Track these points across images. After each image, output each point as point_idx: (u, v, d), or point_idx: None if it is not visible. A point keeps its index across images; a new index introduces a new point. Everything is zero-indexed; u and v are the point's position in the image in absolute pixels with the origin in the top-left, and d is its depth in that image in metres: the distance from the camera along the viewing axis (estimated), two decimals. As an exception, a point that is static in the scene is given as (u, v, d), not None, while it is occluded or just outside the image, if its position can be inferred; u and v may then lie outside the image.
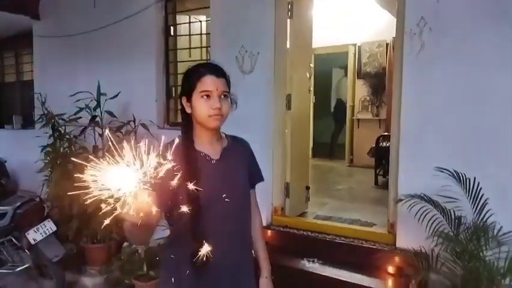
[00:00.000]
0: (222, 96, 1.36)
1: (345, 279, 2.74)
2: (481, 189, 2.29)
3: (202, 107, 1.34)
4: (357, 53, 6.93)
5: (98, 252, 3.93)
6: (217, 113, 1.33)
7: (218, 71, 1.37)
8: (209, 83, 1.33)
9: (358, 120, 7.10)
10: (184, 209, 1.22)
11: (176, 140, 1.41)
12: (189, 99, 1.37)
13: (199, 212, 1.28)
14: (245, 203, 1.49)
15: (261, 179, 1.60)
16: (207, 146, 1.42)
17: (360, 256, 2.92)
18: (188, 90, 1.37)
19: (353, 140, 7.20)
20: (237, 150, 1.51)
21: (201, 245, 1.22)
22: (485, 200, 2.28)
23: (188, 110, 1.39)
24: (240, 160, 1.51)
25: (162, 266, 1.48)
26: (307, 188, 4.03)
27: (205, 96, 1.33)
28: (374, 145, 5.62)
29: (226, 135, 1.52)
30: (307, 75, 3.96)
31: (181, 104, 1.42)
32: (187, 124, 1.43)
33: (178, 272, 1.35)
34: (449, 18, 2.61)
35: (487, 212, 2.27)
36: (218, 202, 1.36)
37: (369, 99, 6.97)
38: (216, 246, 1.26)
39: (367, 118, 6.98)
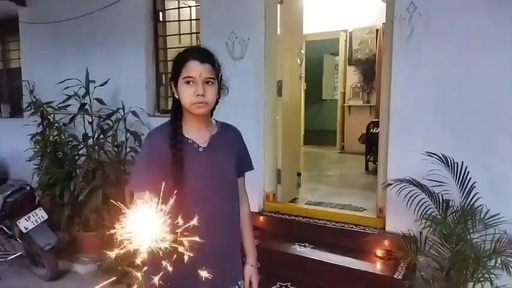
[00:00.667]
0: (207, 83, 1.33)
1: (335, 263, 2.79)
2: (468, 173, 2.33)
3: (186, 93, 1.32)
4: (348, 40, 6.92)
5: (90, 240, 3.94)
6: (200, 100, 1.31)
7: (204, 57, 1.33)
8: (192, 68, 1.31)
9: (349, 107, 7.13)
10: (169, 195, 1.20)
11: (162, 126, 1.43)
12: (175, 84, 1.36)
13: (183, 198, 1.25)
14: (232, 191, 1.48)
15: (250, 167, 1.59)
16: (194, 133, 1.41)
17: (351, 240, 2.97)
18: (174, 76, 1.36)
19: (344, 127, 7.24)
20: (227, 137, 1.50)
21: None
22: (473, 184, 2.31)
23: (176, 95, 1.38)
24: (229, 148, 1.49)
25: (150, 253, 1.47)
26: (299, 174, 4.06)
27: (189, 83, 1.31)
28: (365, 131, 5.67)
29: (216, 121, 1.51)
30: (298, 61, 3.95)
31: (171, 89, 1.41)
32: (176, 109, 1.41)
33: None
34: (438, 3, 2.62)
35: (474, 195, 2.31)
36: (204, 190, 1.36)
37: (360, 86, 6.99)
38: (202, 234, 1.24)
39: (358, 105, 7.01)
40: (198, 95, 1.30)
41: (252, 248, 1.59)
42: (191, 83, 1.31)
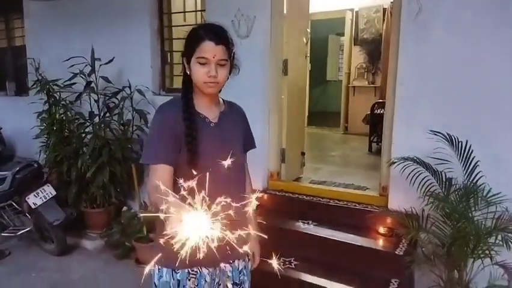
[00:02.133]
0: (220, 64, 1.33)
1: (338, 239, 2.84)
2: (472, 151, 2.35)
3: (198, 73, 1.33)
4: (354, 19, 6.83)
5: (98, 217, 4.02)
6: (213, 80, 1.33)
7: (219, 37, 1.32)
8: (206, 50, 1.30)
9: (354, 87, 7.10)
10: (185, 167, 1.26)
11: (173, 100, 1.44)
12: (189, 61, 1.36)
13: (198, 159, 1.31)
14: (241, 166, 1.53)
15: (253, 145, 1.64)
16: (205, 108, 1.43)
17: (353, 218, 3.02)
18: (188, 53, 1.36)
19: (348, 108, 7.23)
20: (234, 115, 1.53)
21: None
22: (476, 163, 2.34)
23: (188, 71, 1.39)
24: (236, 125, 1.53)
25: (159, 227, 1.45)
26: (303, 153, 4.09)
27: (203, 63, 1.31)
28: (369, 112, 5.66)
29: (223, 100, 1.54)
30: (304, 40, 3.93)
31: (182, 64, 1.42)
32: (186, 84, 1.42)
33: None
34: (448, -19, 2.59)
35: (477, 174, 2.34)
36: (216, 163, 1.36)
37: (365, 67, 6.94)
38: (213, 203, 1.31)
39: (363, 86, 6.98)
40: (210, 75, 1.31)
41: (254, 223, 1.63)
42: (205, 63, 1.31)
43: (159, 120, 1.40)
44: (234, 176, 1.45)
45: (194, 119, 1.36)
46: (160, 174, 1.31)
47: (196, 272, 1.43)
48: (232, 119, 1.52)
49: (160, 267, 1.42)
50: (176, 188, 1.26)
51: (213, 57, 1.30)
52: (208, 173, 1.26)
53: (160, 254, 1.06)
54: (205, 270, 1.44)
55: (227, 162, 1.35)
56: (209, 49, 1.30)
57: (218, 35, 1.33)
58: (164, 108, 1.42)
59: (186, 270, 1.41)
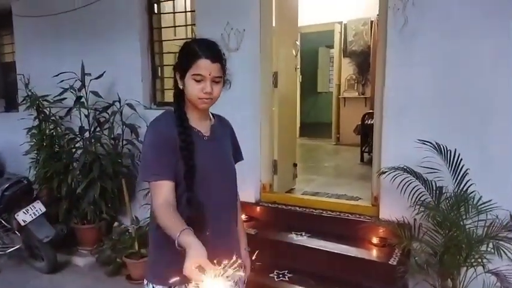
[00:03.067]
0: (214, 81, 1.35)
1: (332, 250, 2.83)
2: (461, 160, 2.37)
3: (193, 89, 1.33)
4: (343, 31, 6.93)
5: (89, 233, 3.97)
6: (208, 96, 1.34)
7: (215, 55, 1.34)
8: (203, 67, 1.31)
9: (344, 98, 7.15)
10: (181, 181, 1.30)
11: (165, 114, 1.44)
12: (182, 76, 1.37)
13: (194, 183, 1.33)
14: (234, 177, 1.54)
15: (241, 157, 1.66)
16: (197, 122, 1.44)
17: (346, 228, 3.01)
18: (182, 69, 1.36)
19: (340, 119, 7.28)
20: (223, 128, 1.56)
21: (198, 212, 1.30)
22: (466, 171, 2.36)
23: (180, 86, 1.39)
24: (226, 138, 1.56)
25: (154, 244, 1.47)
26: (295, 165, 4.09)
27: (198, 80, 1.32)
28: (360, 123, 5.71)
29: (212, 114, 1.55)
30: (294, 52, 3.97)
31: (174, 78, 1.42)
32: (179, 98, 1.43)
33: (172, 245, 1.29)
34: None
35: (467, 182, 2.35)
36: (211, 176, 1.40)
37: (355, 78, 7.01)
38: (211, 217, 1.35)
39: (353, 97, 7.04)
40: (205, 92, 1.33)
41: (243, 233, 1.68)
42: (200, 80, 1.32)
43: (154, 135, 1.38)
44: (230, 187, 1.51)
45: (189, 133, 1.37)
46: (163, 191, 1.30)
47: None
48: (223, 132, 1.55)
49: (154, 285, 1.41)
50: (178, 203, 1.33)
51: (209, 74, 1.32)
52: (202, 185, 1.34)
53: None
54: None
55: (223, 174, 1.45)
56: (205, 67, 1.31)
57: (214, 52, 1.35)
58: (158, 123, 1.41)
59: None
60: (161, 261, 1.41)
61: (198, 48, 1.33)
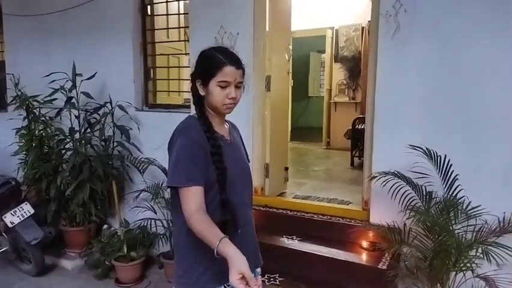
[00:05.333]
0: (237, 86, 1.42)
1: (322, 254, 2.84)
2: (451, 165, 2.40)
3: (218, 96, 1.39)
4: (334, 37, 7.00)
5: (77, 235, 3.92)
6: (232, 102, 1.41)
7: (239, 62, 1.42)
8: (229, 74, 1.38)
9: (335, 103, 7.21)
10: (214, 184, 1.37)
11: (190, 120, 1.48)
12: (204, 84, 1.42)
13: (226, 175, 1.39)
14: (251, 177, 1.63)
15: (248, 159, 1.70)
16: (219, 127, 1.50)
17: (337, 232, 3.03)
18: (205, 76, 1.41)
19: (330, 123, 7.33)
20: (235, 132, 1.65)
21: (231, 214, 1.38)
22: (455, 176, 2.39)
23: (202, 93, 1.44)
24: (239, 141, 1.65)
25: (184, 250, 1.46)
26: (286, 168, 4.11)
27: (224, 86, 1.38)
28: (350, 127, 5.75)
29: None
30: (286, 57, 3.99)
31: (193, 86, 1.47)
32: (201, 106, 1.48)
33: (206, 251, 1.28)
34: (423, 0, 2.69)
35: (456, 187, 2.38)
36: (237, 177, 1.47)
37: (346, 83, 7.07)
38: (239, 218, 1.43)
39: (344, 101, 7.10)
40: (230, 97, 1.40)
41: None
42: (225, 86, 1.39)
43: (188, 142, 1.39)
44: (250, 187, 1.61)
45: (217, 137, 1.44)
46: (196, 197, 1.34)
47: None
48: (236, 137, 1.63)
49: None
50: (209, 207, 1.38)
51: (234, 80, 1.39)
52: (230, 188, 1.41)
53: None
54: None
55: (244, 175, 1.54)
56: (231, 73, 1.38)
57: (237, 60, 1.42)
58: (189, 130, 1.43)
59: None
60: (197, 267, 1.42)
61: (223, 57, 1.40)
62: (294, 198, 3.78)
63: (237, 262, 1.13)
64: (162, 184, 3.51)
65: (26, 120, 3.97)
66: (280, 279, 2.83)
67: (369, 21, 5.28)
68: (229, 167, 1.41)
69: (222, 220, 1.34)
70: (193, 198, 1.33)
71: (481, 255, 2.22)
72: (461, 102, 2.64)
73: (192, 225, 1.30)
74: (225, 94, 1.39)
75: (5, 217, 3.36)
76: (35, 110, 3.96)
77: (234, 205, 1.41)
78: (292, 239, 3.09)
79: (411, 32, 2.72)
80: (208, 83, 1.40)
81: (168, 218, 3.49)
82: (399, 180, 2.50)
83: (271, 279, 2.84)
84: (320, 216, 3.22)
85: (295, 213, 3.33)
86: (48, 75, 3.65)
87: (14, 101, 3.96)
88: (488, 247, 2.22)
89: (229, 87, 1.39)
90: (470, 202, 2.43)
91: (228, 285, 1.39)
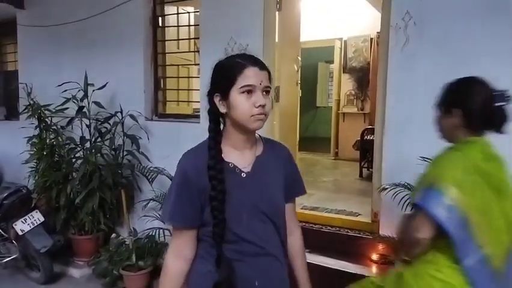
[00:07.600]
0: (265, 92, 1.18)
1: (330, 266, 2.83)
2: (461, 178, 2.38)
3: (243, 106, 1.15)
4: (343, 48, 7.02)
5: (86, 244, 3.93)
6: (261, 111, 1.15)
7: (261, 63, 1.18)
8: (252, 75, 1.14)
9: (343, 114, 7.20)
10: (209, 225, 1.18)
11: (201, 146, 1.26)
12: (224, 97, 1.18)
13: (224, 229, 1.17)
14: (277, 219, 1.28)
15: (301, 191, 1.42)
16: (237, 155, 1.24)
17: (346, 244, 3.01)
18: (224, 87, 1.17)
19: (338, 134, 7.31)
20: (273, 157, 1.32)
21: (228, 275, 1.16)
22: (466, 188, 2.37)
23: (223, 110, 1.20)
24: (277, 171, 1.31)
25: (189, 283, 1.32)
26: (295, 179, 4.09)
27: (246, 92, 1.15)
28: (359, 138, 5.74)
29: (262, 138, 1.35)
30: (295, 67, 4.02)
31: (210, 104, 1.23)
32: (215, 128, 1.23)
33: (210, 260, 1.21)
34: (433, 12, 2.69)
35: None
36: (245, 218, 1.21)
37: (354, 94, 7.07)
38: (245, 268, 1.20)
39: (352, 112, 7.09)
40: (258, 105, 1.15)
41: (306, 281, 1.47)
42: (249, 92, 1.15)
43: (179, 173, 1.23)
44: (268, 232, 1.26)
45: (222, 178, 1.17)
46: (177, 240, 1.23)
47: None
48: (272, 165, 1.30)
49: None
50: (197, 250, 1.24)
51: (260, 83, 1.16)
52: (232, 230, 1.18)
53: None
54: None
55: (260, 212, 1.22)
56: (254, 74, 1.15)
57: (260, 61, 1.20)
58: (186, 158, 1.25)
59: None
60: (202, 282, 1.25)
61: (241, 59, 1.18)
62: (302, 209, 3.76)
63: None
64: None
65: (38, 129, 4.03)
66: (289, 290, 2.81)
67: (377, 32, 5.30)
68: (232, 207, 1.17)
69: (216, 282, 1.14)
70: (175, 238, 1.23)
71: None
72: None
73: (163, 268, 1.23)
74: (252, 103, 1.14)
75: (16, 225, 3.39)
76: (46, 119, 4.02)
77: (232, 268, 1.16)
78: (300, 250, 3.06)
79: (421, 44, 2.72)
80: (229, 93, 1.16)
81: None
82: (410, 191, 2.49)
83: (280, 290, 2.81)
84: (329, 227, 3.21)
85: (304, 224, 3.31)
86: (60, 85, 3.71)
87: (26, 110, 4.03)
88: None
89: (255, 93, 1.14)
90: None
91: None
